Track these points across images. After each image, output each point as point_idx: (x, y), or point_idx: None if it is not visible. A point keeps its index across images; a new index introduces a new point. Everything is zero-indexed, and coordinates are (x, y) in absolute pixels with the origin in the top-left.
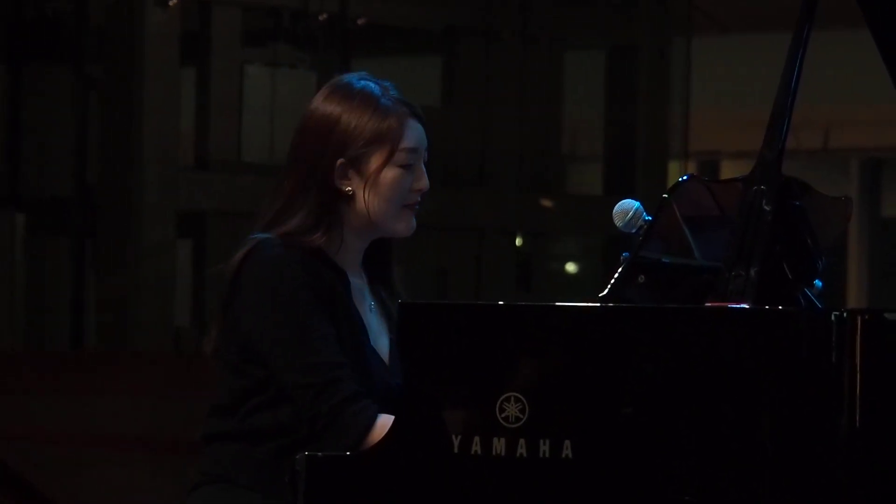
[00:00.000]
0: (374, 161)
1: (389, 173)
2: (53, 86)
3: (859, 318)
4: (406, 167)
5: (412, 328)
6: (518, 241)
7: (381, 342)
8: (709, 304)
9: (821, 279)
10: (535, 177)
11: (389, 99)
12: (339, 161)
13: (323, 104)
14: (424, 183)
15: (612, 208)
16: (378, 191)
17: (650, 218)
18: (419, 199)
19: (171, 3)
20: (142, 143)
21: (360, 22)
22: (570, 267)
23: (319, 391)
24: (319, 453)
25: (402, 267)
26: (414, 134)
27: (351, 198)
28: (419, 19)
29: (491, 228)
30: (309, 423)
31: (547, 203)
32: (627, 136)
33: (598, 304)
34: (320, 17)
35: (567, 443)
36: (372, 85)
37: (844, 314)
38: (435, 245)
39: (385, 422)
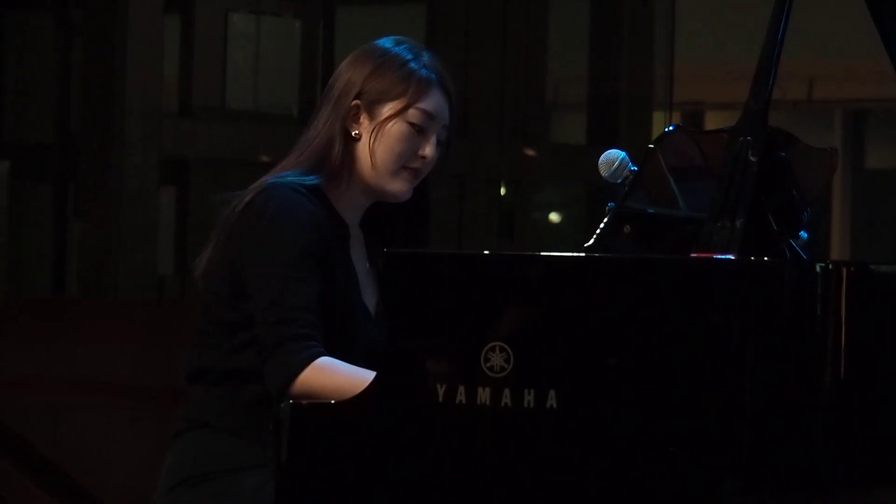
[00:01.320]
0: (388, 110)
1: (398, 126)
2: (35, 32)
3: (845, 269)
4: (417, 128)
5: (397, 277)
6: (502, 191)
7: (369, 295)
8: (694, 255)
9: (806, 230)
10: (519, 126)
11: (421, 63)
12: (355, 102)
13: (359, 53)
14: (430, 151)
15: (596, 158)
16: (383, 140)
17: (635, 168)
18: (422, 167)
19: None
20: (125, 90)
21: None
22: (554, 216)
23: (273, 324)
24: (304, 402)
25: None
26: (435, 101)
27: (357, 141)
28: None
29: (473, 177)
30: (260, 357)
31: (530, 152)
32: (611, 85)
33: (584, 255)
34: None
35: (552, 393)
36: (408, 48)
37: (830, 266)
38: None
39: (324, 367)
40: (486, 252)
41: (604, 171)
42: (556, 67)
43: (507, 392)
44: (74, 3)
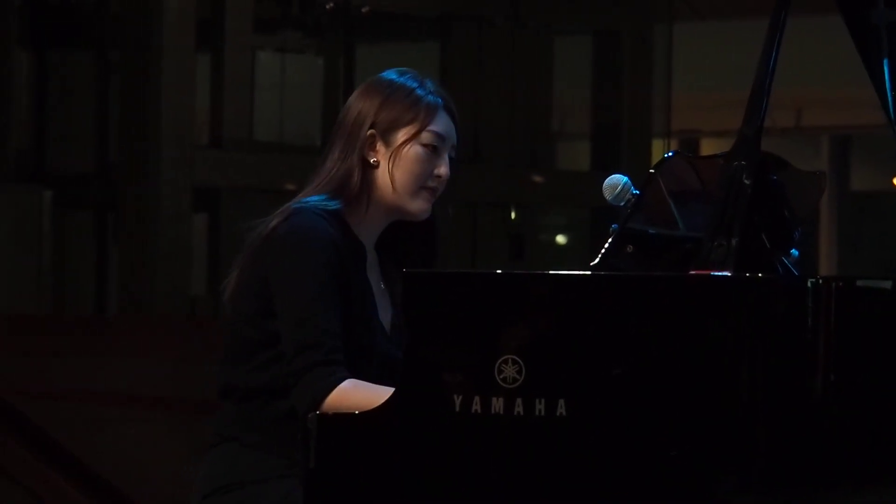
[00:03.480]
0: (402, 136)
1: (414, 149)
2: (76, 69)
3: (833, 284)
4: (431, 149)
5: (416, 296)
6: (512, 215)
7: (385, 313)
8: (693, 272)
9: (797, 248)
10: (527, 153)
11: (427, 90)
12: (370, 132)
13: (367, 86)
14: (445, 170)
15: (599, 183)
16: (401, 164)
17: (637, 192)
18: (438, 185)
19: None
20: (160, 123)
21: (364, 10)
22: (560, 238)
23: (301, 348)
24: (330, 412)
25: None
26: (443, 122)
27: (376, 168)
28: (417, 7)
29: (485, 202)
30: (287, 378)
31: (538, 178)
32: (613, 115)
33: (590, 273)
34: (327, 6)
35: (561, 402)
36: (413, 78)
37: (819, 281)
38: None
39: (351, 388)
40: (498, 271)
41: (608, 195)
42: (561, 99)
43: (519, 401)
44: (112, 42)
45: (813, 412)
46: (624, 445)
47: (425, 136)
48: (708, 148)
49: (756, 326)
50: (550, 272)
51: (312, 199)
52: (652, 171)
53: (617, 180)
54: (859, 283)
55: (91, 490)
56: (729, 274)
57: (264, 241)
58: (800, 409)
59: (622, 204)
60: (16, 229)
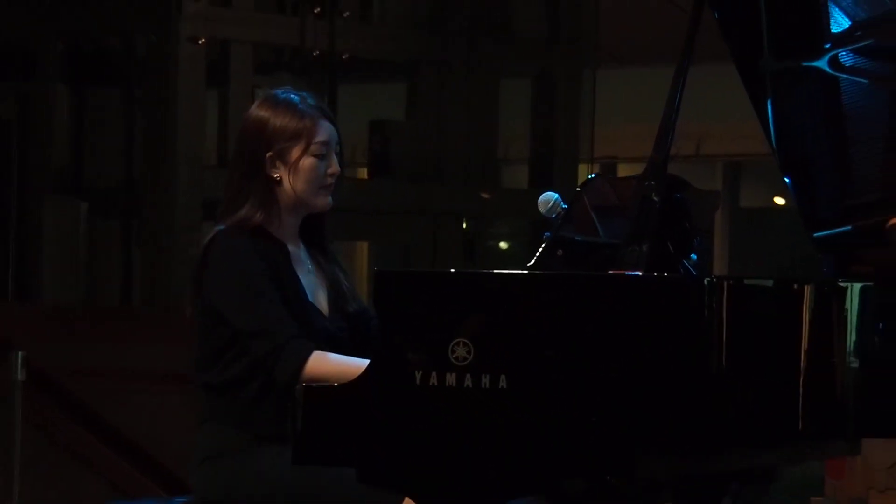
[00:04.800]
0: (295, 153)
1: (307, 161)
2: (108, 102)
3: (725, 282)
4: (320, 157)
5: (385, 290)
6: (464, 225)
7: (320, 296)
8: (611, 272)
9: (696, 253)
10: (478, 174)
11: (306, 105)
12: (269, 154)
13: (255, 111)
14: (335, 168)
15: (536, 199)
16: (299, 175)
17: (566, 206)
18: (333, 181)
19: (199, 42)
20: (175, 147)
21: (344, 57)
22: (504, 244)
23: (265, 338)
24: (313, 384)
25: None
26: (325, 130)
27: (279, 183)
28: (389, 54)
29: (443, 214)
30: (263, 364)
31: (486, 195)
32: (547, 144)
33: (527, 272)
34: (314, 54)
35: (503, 377)
36: (293, 95)
37: (714, 280)
38: (400, 227)
39: (323, 357)
40: (452, 270)
41: (542, 209)
42: (506, 130)
43: (468, 376)
44: (138, 81)
45: (710, 387)
46: (554, 413)
47: (314, 148)
48: (624, 171)
49: (662, 316)
50: (495, 271)
51: (233, 219)
52: (578, 189)
53: (549, 197)
54: (746, 281)
55: (117, 445)
56: (640, 273)
57: (200, 270)
58: (698, 385)
59: (554, 216)
60: (57, 233)
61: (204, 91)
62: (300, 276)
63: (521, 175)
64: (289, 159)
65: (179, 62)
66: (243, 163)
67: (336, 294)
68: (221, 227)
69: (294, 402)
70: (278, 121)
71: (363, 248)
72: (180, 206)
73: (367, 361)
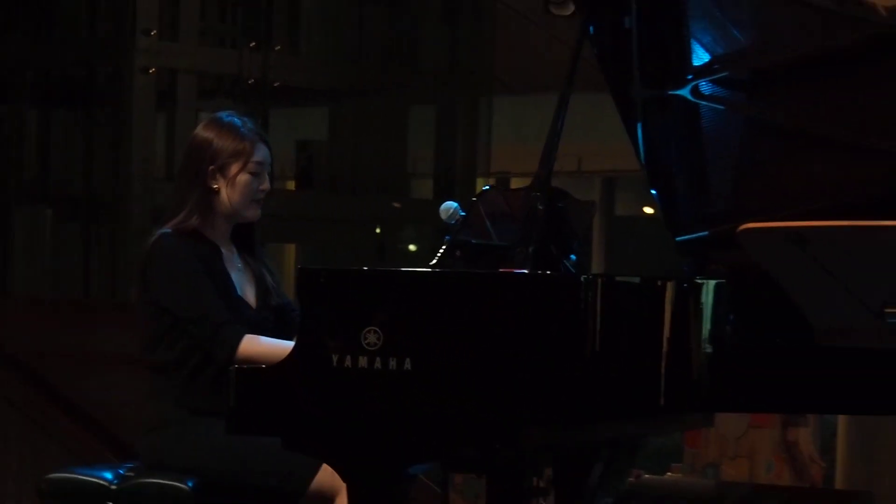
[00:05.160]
0: (234, 169)
1: (243, 177)
2: (71, 123)
3: (599, 280)
4: (255, 174)
5: (307, 285)
6: (377, 230)
7: (248, 291)
8: (502, 270)
9: (575, 255)
10: (389, 187)
11: (247, 129)
12: (211, 168)
13: (202, 131)
14: (266, 185)
15: (439, 209)
16: (236, 189)
17: (464, 213)
18: (263, 195)
19: (150, 72)
20: (129, 163)
21: (276, 84)
22: (412, 247)
23: (203, 323)
24: (245, 366)
25: (300, 246)
26: (261, 152)
27: (218, 193)
28: (314, 83)
29: (359, 221)
30: (201, 346)
31: (396, 204)
32: (449, 160)
33: (430, 270)
34: (249, 81)
35: (407, 360)
36: (236, 119)
37: (590, 277)
38: (322, 232)
39: (254, 340)
40: (364, 268)
41: (443, 216)
42: (414, 149)
43: (378, 360)
44: (97, 105)
45: (583, 369)
46: (450, 391)
47: (250, 166)
48: (516, 184)
49: (545, 308)
50: (402, 269)
51: (173, 222)
52: (474, 199)
53: (449, 206)
54: (617, 278)
55: (77, 419)
56: (526, 272)
57: (145, 268)
58: (574, 366)
59: (453, 222)
60: (26, 236)
61: (154, 114)
62: (231, 274)
63: (427, 187)
64: (228, 174)
65: (133, 89)
66: (188, 174)
67: (262, 289)
68: (164, 230)
69: (228, 381)
70: (222, 141)
71: (291, 249)
72: (133, 214)
73: (291, 344)
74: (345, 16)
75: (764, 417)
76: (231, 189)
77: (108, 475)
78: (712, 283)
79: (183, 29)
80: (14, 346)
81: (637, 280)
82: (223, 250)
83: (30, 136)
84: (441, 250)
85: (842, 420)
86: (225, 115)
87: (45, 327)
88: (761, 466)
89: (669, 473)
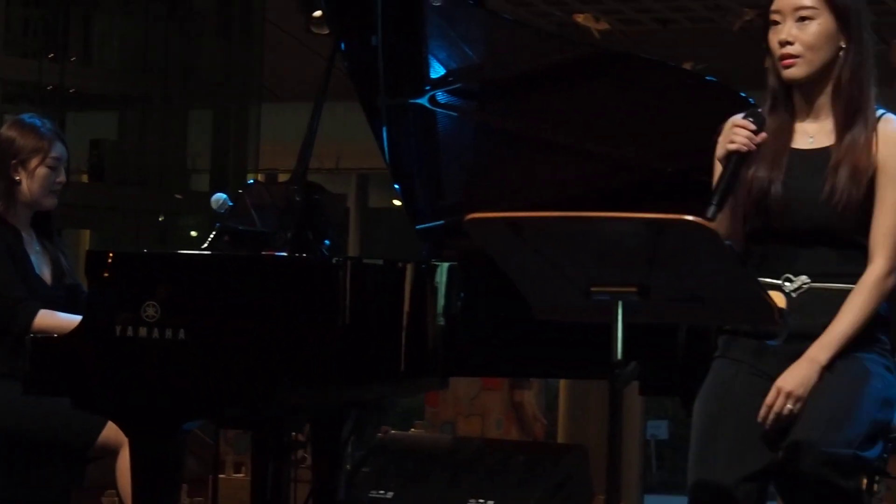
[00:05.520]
0: (34, 163)
1: (41, 170)
2: None
3: (348, 262)
4: (52, 168)
5: (95, 265)
6: (161, 218)
7: (45, 270)
8: (264, 253)
9: (329, 240)
10: (171, 181)
11: (46, 129)
12: (13, 162)
13: (6, 130)
14: (63, 178)
15: (210, 200)
16: (35, 180)
17: (232, 204)
18: (59, 187)
19: None
20: None
21: (71, 91)
22: (193, 233)
23: (2, 300)
24: (39, 335)
25: (93, 232)
26: (58, 149)
27: (19, 184)
28: (105, 90)
29: (145, 211)
30: (2, 320)
31: (178, 196)
32: (223, 158)
33: (202, 253)
34: (48, 88)
35: (182, 330)
36: (36, 120)
37: (340, 260)
38: (112, 220)
39: (48, 314)
40: (144, 250)
41: (214, 206)
42: (193, 147)
43: (156, 330)
44: None
45: (334, 339)
46: (218, 358)
47: (48, 161)
48: (283, 179)
49: (302, 286)
50: (178, 251)
51: None
52: (241, 191)
53: (219, 197)
54: (364, 261)
55: None
56: (285, 254)
57: None
58: (326, 336)
59: (223, 212)
60: None
61: None
62: (30, 256)
63: (204, 181)
64: (28, 167)
65: None
66: None
67: (57, 270)
68: None
69: (25, 349)
70: (24, 139)
71: (86, 235)
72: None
73: (79, 318)
74: (132, 31)
75: (494, 381)
76: (31, 180)
77: None
78: (445, 265)
79: None
80: None
81: (381, 262)
82: (24, 234)
83: None
84: (212, 236)
85: (562, 384)
86: (27, 117)
87: None
88: (492, 423)
89: (413, 429)
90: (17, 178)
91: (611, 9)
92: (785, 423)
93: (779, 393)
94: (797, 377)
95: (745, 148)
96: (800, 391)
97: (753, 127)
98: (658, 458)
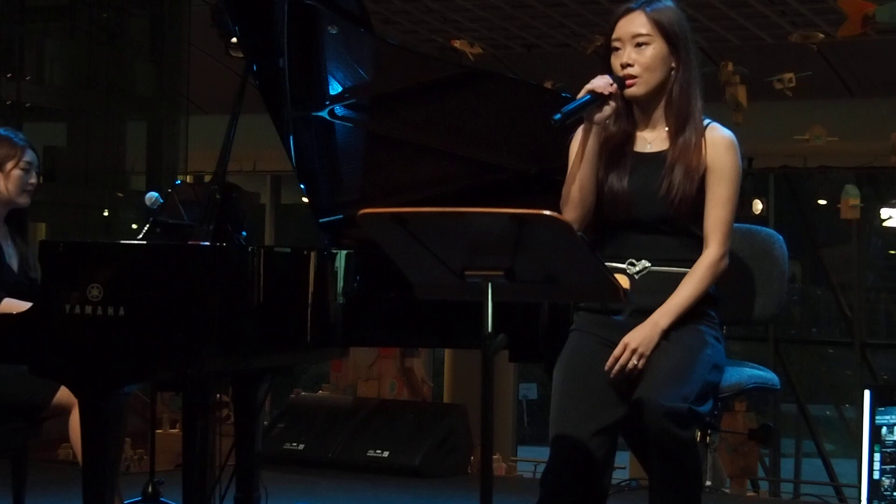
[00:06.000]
0: (10, 166)
1: (16, 172)
2: None
3: (262, 250)
4: (25, 170)
5: (47, 253)
6: (105, 213)
7: (14, 262)
8: (190, 243)
9: (245, 231)
10: (112, 181)
11: (18, 138)
12: None
13: None
14: (34, 180)
15: (144, 197)
16: (10, 181)
17: (163, 201)
18: (32, 188)
19: None
20: None
21: (27, 105)
22: (134, 226)
23: None
24: (9, 315)
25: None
26: (29, 155)
27: None
28: (56, 104)
29: (91, 207)
30: None
31: (120, 194)
32: (158, 161)
33: (136, 243)
34: (7, 103)
35: (122, 308)
36: (10, 133)
37: (254, 248)
38: (64, 215)
39: (10, 301)
40: (90, 240)
41: (147, 203)
42: (131, 152)
43: (100, 307)
44: None
45: (249, 316)
46: (151, 330)
47: (22, 164)
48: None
49: (220, 271)
50: (117, 241)
51: None
52: (170, 190)
53: (151, 195)
54: (275, 249)
55: None
56: (207, 244)
57: None
58: (242, 314)
59: (155, 208)
60: None
61: None
62: (2, 247)
63: (142, 181)
64: (5, 170)
65: None
66: None
67: (24, 263)
68: None
69: None
70: (1, 150)
71: (42, 227)
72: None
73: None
74: (78, 54)
75: (387, 350)
76: (7, 181)
77: None
78: (343, 252)
79: None
80: None
81: (289, 250)
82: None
83: None
84: (146, 228)
85: (447, 352)
86: (2, 130)
87: None
88: (386, 386)
89: (320, 392)
90: None
91: (483, 35)
92: (628, 376)
93: (625, 348)
94: (641, 336)
95: (601, 90)
96: (642, 349)
97: (611, 81)
98: (529, 415)
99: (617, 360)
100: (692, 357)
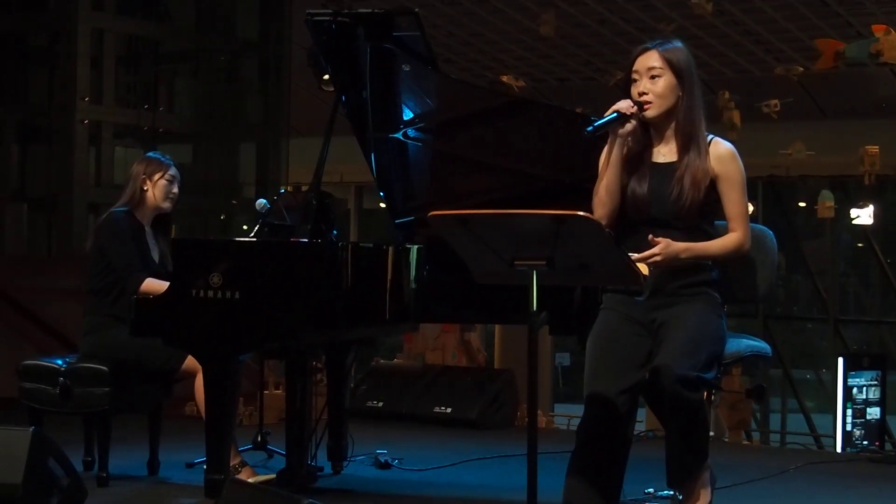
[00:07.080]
0: (157, 177)
1: (161, 182)
2: (40, 152)
3: (350, 245)
4: (169, 182)
5: (179, 248)
6: (222, 217)
7: (155, 254)
8: (292, 240)
9: (336, 230)
10: (230, 191)
11: (164, 158)
12: (143, 177)
13: (140, 161)
14: (176, 191)
15: (255, 203)
16: (157, 190)
17: (270, 206)
18: (174, 197)
19: (84, 122)
20: (73, 175)
21: (160, 130)
22: (245, 227)
23: (124, 269)
24: (141, 294)
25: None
26: (172, 170)
27: (147, 192)
28: (183, 129)
29: (211, 212)
30: (121, 280)
31: (234, 201)
32: (264, 175)
33: (250, 241)
34: (144, 129)
35: (237, 292)
36: (158, 154)
37: (344, 243)
38: (191, 218)
39: (151, 281)
40: (212, 238)
41: (257, 208)
42: (243, 167)
43: (219, 292)
44: (55, 141)
45: (340, 297)
46: (262, 310)
47: (167, 177)
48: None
49: (316, 262)
50: (234, 239)
51: (118, 207)
52: (275, 198)
53: (261, 201)
54: (360, 244)
55: (45, 329)
56: (306, 240)
57: (98, 228)
58: (335, 296)
59: (263, 212)
60: (10, 222)
61: (87, 147)
62: (148, 243)
63: (252, 191)
64: (154, 180)
65: (75, 134)
66: (130, 181)
67: (164, 258)
68: (114, 208)
69: (132, 304)
70: (150, 164)
71: (173, 229)
72: (74, 204)
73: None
74: (201, 90)
75: (449, 325)
76: (155, 189)
77: (59, 361)
78: (415, 247)
79: (105, 96)
80: (4, 284)
81: (371, 245)
82: (146, 229)
83: (13, 161)
84: (256, 228)
85: (497, 327)
86: (151, 153)
87: (23, 272)
88: (449, 354)
89: (395, 359)
90: (146, 188)
91: (525, 71)
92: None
93: (659, 249)
94: (666, 255)
95: (624, 110)
96: (664, 261)
97: (632, 104)
98: (564, 378)
99: (644, 257)
100: (701, 331)
